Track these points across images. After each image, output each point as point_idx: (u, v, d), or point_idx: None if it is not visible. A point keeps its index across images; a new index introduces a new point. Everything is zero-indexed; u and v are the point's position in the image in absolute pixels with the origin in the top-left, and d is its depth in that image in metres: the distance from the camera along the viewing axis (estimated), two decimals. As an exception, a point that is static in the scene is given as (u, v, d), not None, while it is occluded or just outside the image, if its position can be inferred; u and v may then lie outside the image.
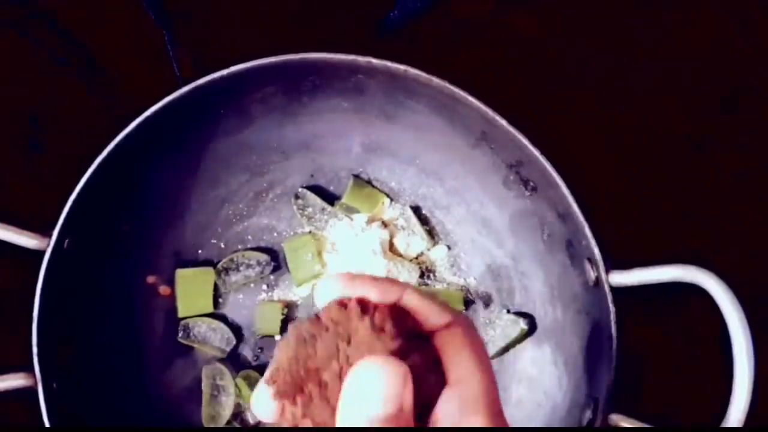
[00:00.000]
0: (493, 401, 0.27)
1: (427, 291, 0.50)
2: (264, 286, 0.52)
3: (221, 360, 0.51)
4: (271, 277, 0.52)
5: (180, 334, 0.51)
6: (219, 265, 0.51)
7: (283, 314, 0.51)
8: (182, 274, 0.51)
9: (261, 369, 0.51)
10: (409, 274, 0.50)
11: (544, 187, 0.44)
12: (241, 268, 0.51)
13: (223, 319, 0.52)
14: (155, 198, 0.50)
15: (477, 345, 0.27)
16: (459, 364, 0.26)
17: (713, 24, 0.54)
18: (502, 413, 0.27)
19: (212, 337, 0.51)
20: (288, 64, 0.43)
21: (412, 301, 0.27)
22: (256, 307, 0.52)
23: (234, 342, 0.51)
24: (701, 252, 0.50)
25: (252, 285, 0.52)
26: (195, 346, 0.51)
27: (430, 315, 0.27)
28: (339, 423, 0.24)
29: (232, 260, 0.51)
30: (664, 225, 0.52)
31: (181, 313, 0.51)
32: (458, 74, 0.42)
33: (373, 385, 0.23)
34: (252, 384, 0.50)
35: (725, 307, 0.37)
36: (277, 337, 0.52)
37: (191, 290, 0.51)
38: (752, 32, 0.54)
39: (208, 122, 0.47)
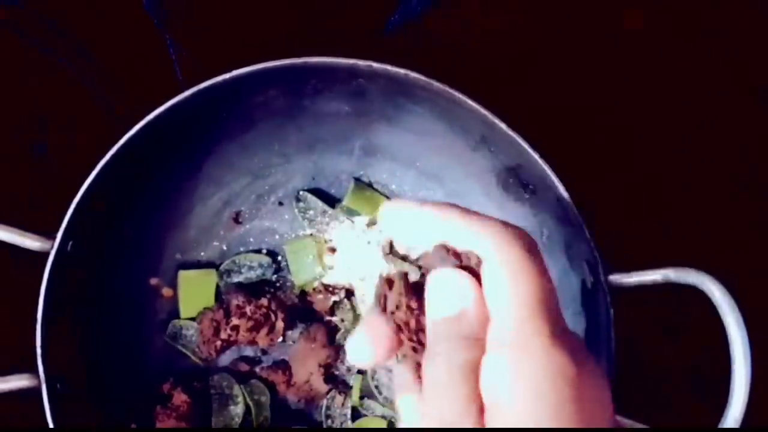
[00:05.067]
0: (555, 309, 0.26)
1: None
2: (265, 288, 0.52)
3: (225, 368, 0.51)
4: (273, 278, 0.52)
5: (167, 334, 0.51)
6: (221, 267, 0.52)
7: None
8: (185, 276, 0.51)
9: (264, 376, 0.52)
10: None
11: (543, 190, 0.44)
12: (242, 270, 0.52)
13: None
14: (158, 200, 0.50)
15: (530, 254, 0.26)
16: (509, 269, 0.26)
17: (714, 25, 0.54)
18: (566, 328, 0.26)
19: (197, 343, 0.51)
20: (289, 68, 0.43)
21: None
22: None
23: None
24: (700, 254, 0.51)
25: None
26: (180, 348, 0.51)
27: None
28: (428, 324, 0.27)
29: (234, 262, 0.52)
30: (662, 227, 0.52)
31: (183, 315, 0.51)
32: (458, 78, 0.42)
33: (448, 287, 0.26)
34: (255, 392, 0.51)
35: (723, 308, 0.38)
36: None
37: (194, 292, 0.51)
38: (747, 25, 0.54)
39: (210, 125, 0.48)
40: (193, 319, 0.51)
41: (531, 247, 0.27)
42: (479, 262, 0.26)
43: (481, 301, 0.26)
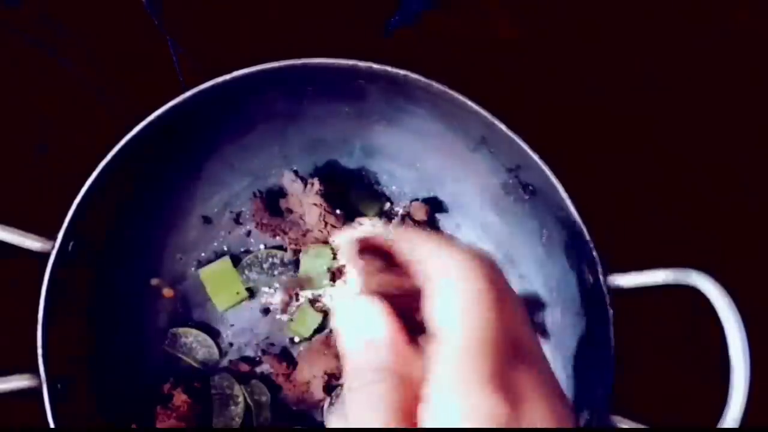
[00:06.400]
0: (503, 343, 0.24)
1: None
2: (265, 288, 0.52)
3: (226, 368, 0.52)
4: (274, 279, 0.52)
5: (166, 342, 0.51)
6: (243, 261, 0.52)
7: (319, 324, 0.52)
8: (206, 273, 0.52)
9: (264, 376, 0.52)
10: None
11: (543, 191, 0.44)
12: (264, 266, 0.52)
13: (225, 321, 0.52)
14: (159, 201, 0.50)
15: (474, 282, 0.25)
16: (442, 308, 0.25)
17: (716, 21, 0.54)
18: (520, 356, 0.25)
19: (197, 349, 0.51)
20: (290, 69, 0.43)
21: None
22: (298, 309, 0.52)
23: (217, 358, 0.52)
24: (699, 254, 0.51)
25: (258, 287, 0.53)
26: (178, 355, 0.51)
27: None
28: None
29: (256, 257, 0.52)
30: (662, 228, 0.52)
31: (220, 308, 0.52)
32: (458, 79, 0.43)
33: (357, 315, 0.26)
34: (255, 393, 0.51)
35: (722, 309, 0.38)
36: (299, 342, 0.52)
37: (221, 284, 0.51)
38: (746, 25, 0.54)
39: (210, 126, 0.48)
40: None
41: (493, 276, 0.26)
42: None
43: (394, 330, 0.25)
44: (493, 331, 0.24)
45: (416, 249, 0.27)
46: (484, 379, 0.24)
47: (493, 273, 0.26)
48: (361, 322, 0.25)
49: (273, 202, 0.52)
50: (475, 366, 0.24)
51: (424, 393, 0.24)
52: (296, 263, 0.52)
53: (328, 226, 0.49)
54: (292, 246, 0.51)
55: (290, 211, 0.51)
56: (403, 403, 0.24)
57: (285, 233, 0.51)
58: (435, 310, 0.25)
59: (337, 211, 0.50)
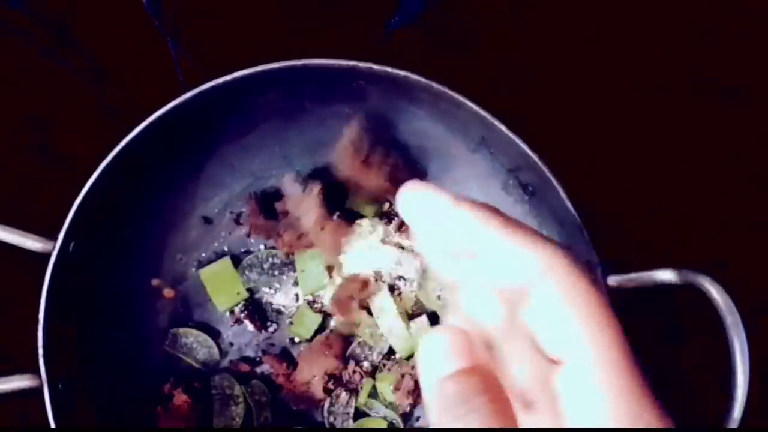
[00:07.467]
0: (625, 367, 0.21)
1: None
2: (266, 288, 0.52)
3: (226, 368, 0.52)
4: (274, 279, 0.52)
5: (167, 342, 0.51)
6: (244, 262, 0.52)
7: (319, 324, 0.52)
8: (206, 273, 0.52)
9: (264, 376, 0.52)
10: (413, 268, 0.51)
11: (543, 191, 0.44)
12: (264, 266, 0.52)
13: (225, 321, 0.52)
14: (159, 201, 0.50)
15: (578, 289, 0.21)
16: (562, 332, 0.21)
17: (709, 21, 0.54)
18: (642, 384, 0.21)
19: (197, 349, 0.51)
20: (290, 70, 0.43)
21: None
22: (296, 309, 0.52)
23: (217, 358, 0.52)
24: (699, 255, 0.51)
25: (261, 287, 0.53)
26: (179, 355, 0.51)
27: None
28: None
29: (256, 257, 0.52)
30: (662, 227, 0.52)
31: (220, 308, 0.52)
32: (458, 80, 0.43)
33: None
34: (256, 392, 0.51)
35: (722, 309, 0.38)
36: (299, 342, 0.52)
37: (221, 284, 0.51)
38: (746, 25, 0.54)
39: (211, 127, 0.48)
40: (231, 312, 0.52)
41: (586, 273, 0.22)
42: None
43: (473, 352, 0.23)
44: (621, 339, 0.22)
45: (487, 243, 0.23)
46: (644, 395, 0.21)
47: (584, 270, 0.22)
48: (445, 356, 0.24)
49: (268, 204, 0.52)
50: (628, 383, 0.21)
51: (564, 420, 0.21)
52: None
53: (325, 231, 0.49)
54: (286, 249, 0.51)
55: (286, 213, 0.51)
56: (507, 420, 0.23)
57: (279, 236, 0.51)
58: (548, 328, 0.22)
59: (336, 215, 0.50)
